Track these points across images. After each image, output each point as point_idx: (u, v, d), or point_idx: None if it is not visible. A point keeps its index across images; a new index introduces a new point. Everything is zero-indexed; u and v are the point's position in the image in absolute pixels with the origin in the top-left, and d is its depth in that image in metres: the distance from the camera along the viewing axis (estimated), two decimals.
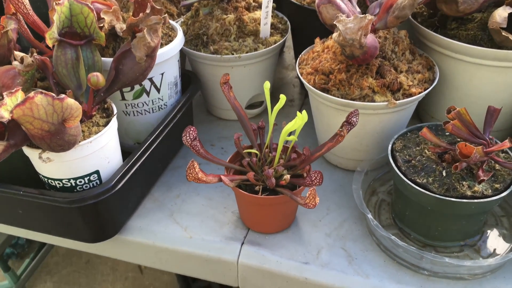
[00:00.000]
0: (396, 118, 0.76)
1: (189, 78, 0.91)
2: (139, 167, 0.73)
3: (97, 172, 0.68)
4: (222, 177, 0.65)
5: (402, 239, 0.72)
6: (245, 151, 0.69)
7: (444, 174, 0.64)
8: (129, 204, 0.76)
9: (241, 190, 0.68)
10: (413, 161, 0.67)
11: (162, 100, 0.83)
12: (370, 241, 0.73)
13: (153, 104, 0.82)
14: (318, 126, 0.85)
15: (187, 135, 0.67)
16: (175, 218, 0.78)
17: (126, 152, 0.78)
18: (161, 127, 0.79)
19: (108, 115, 0.71)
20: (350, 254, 0.71)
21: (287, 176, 0.66)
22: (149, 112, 0.83)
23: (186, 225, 0.76)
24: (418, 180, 0.64)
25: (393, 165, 0.67)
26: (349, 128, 0.70)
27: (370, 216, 0.68)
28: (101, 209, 0.68)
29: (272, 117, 0.71)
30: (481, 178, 0.61)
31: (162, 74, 0.80)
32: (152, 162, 0.80)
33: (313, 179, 0.64)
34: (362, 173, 0.76)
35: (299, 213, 0.77)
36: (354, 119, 0.69)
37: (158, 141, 0.78)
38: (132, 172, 0.72)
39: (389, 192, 0.80)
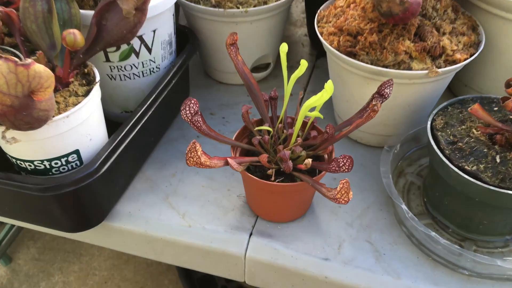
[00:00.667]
0: (433, 88, 0.64)
1: (186, 35, 0.78)
2: (129, 143, 0.61)
3: (76, 152, 0.56)
4: (229, 160, 0.54)
5: (437, 231, 0.62)
6: (256, 128, 0.57)
7: (497, 160, 0.53)
8: (117, 187, 0.64)
9: (251, 175, 0.56)
10: (459, 143, 0.56)
11: (154, 62, 0.70)
12: (399, 233, 0.63)
13: (143, 66, 0.69)
14: (337, 96, 0.73)
15: (187, 108, 0.54)
16: (170, 202, 0.67)
17: (112, 122, 0.66)
18: (154, 95, 0.67)
19: (89, 82, 0.58)
20: (377, 248, 0.61)
21: (308, 161, 0.54)
22: (139, 76, 0.70)
23: (183, 210, 0.65)
24: (466, 167, 0.53)
25: (435, 147, 0.56)
26: (382, 101, 0.58)
27: (404, 207, 0.57)
28: (82, 197, 0.57)
29: (289, 87, 0.59)
30: None
31: (154, 31, 0.67)
32: (144, 136, 0.68)
33: (340, 164, 0.53)
34: (391, 153, 0.65)
35: (315, 197, 0.66)
36: (388, 90, 0.58)
37: (151, 111, 0.66)
38: (120, 150, 0.60)
39: (418, 174, 0.69)
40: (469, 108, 0.56)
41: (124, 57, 0.67)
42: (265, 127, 0.58)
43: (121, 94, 0.71)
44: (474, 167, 0.53)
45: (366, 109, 0.59)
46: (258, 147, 0.59)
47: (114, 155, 0.58)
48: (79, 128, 0.55)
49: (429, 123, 0.59)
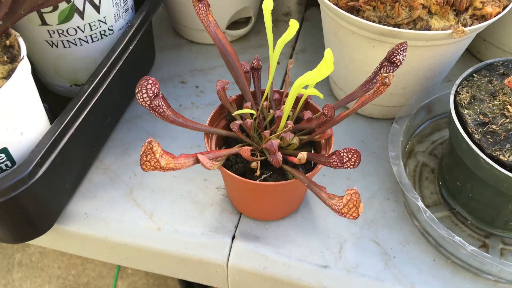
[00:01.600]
0: (454, 51, 0.52)
1: None
2: (78, 128, 0.49)
3: (4, 150, 0.43)
4: (200, 157, 0.41)
5: (455, 225, 0.52)
6: (236, 113, 0.45)
7: None
8: (66, 184, 0.52)
9: (231, 173, 0.44)
10: (491, 125, 0.44)
11: (105, 23, 0.56)
12: (411, 228, 0.52)
13: (91, 29, 0.55)
14: (334, 60, 0.60)
15: (144, 91, 0.41)
16: (135, 197, 0.55)
17: (62, 98, 0.54)
18: (108, 64, 0.53)
19: (12, 58, 0.44)
20: (386, 250, 0.50)
21: (302, 155, 0.42)
22: (87, 42, 0.56)
23: (151, 208, 0.54)
24: (502, 157, 0.42)
25: (461, 130, 0.45)
26: (393, 70, 0.46)
27: (421, 204, 0.46)
28: (18, 205, 0.44)
29: (275, 55, 0.46)
30: None
31: None
32: (99, 116, 0.55)
33: (344, 160, 0.41)
34: (401, 132, 0.53)
35: None
36: (400, 57, 0.45)
37: (105, 85, 0.53)
38: (66, 139, 0.47)
39: (431, 153, 0.58)
40: (505, 80, 0.44)
41: (65, 18, 0.52)
42: (247, 110, 0.45)
43: (66, 65, 0.57)
44: (511, 157, 0.42)
45: (373, 81, 0.46)
46: (239, 134, 0.47)
47: (57, 149, 0.46)
48: (3, 120, 0.42)
49: (452, 97, 0.47)
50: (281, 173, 0.47)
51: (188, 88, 0.67)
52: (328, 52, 0.38)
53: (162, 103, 0.43)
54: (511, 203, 0.46)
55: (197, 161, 0.42)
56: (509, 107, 0.45)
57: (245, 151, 0.44)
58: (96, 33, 0.56)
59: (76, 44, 0.55)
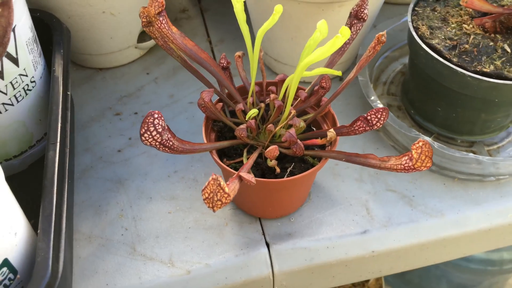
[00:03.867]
0: None
1: (43, 22, 0.53)
2: (68, 205, 0.40)
3: (5, 263, 0.34)
4: (243, 175, 0.38)
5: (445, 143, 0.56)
6: (248, 118, 0.41)
7: (509, 50, 0.47)
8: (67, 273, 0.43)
9: (265, 180, 0.41)
10: (461, 46, 0.48)
11: (26, 75, 0.46)
12: None
13: (14, 88, 0.45)
14: (273, 36, 0.58)
15: (152, 128, 0.36)
16: (142, 252, 0.48)
17: None
18: (59, 117, 0.44)
19: None
20: (403, 193, 0.52)
21: (332, 133, 0.41)
22: (12, 104, 0.46)
23: (167, 255, 0.48)
24: (485, 69, 0.46)
25: (440, 58, 0.47)
26: (361, 26, 0.47)
27: (414, 131, 0.49)
28: None
29: (256, 46, 0.43)
30: None
31: (14, 29, 0.43)
32: (67, 181, 0.46)
33: (373, 122, 0.41)
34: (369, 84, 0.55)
35: None
36: (366, 11, 0.47)
37: (69, 143, 0.45)
38: (65, 221, 0.39)
39: (388, 94, 0.61)
40: (463, 2, 0.47)
41: None
42: (253, 112, 0.42)
43: None
44: (492, 67, 0.46)
45: (349, 43, 0.47)
46: (246, 139, 0.43)
47: (62, 237, 0.37)
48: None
49: (414, 34, 0.50)
50: (301, 161, 0.45)
51: (127, 118, 0.60)
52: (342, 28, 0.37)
53: (170, 135, 0.38)
54: (484, 111, 0.51)
55: (240, 179, 0.38)
56: (464, 25, 0.49)
57: (273, 152, 0.40)
58: (19, 91, 0.46)
59: (0, 112, 0.45)
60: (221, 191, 0.32)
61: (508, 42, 0.48)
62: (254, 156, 0.42)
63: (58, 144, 0.42)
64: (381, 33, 0.40)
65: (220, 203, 0.32)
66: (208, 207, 0.32)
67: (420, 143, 0.36)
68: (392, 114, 0.55)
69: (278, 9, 0.40)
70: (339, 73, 0.40)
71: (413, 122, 0.58)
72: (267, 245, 0.48)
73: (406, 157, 0.37)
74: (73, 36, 0.60)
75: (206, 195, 0.32)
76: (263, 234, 0.49)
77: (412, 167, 0.37)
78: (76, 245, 0.48)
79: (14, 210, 0.35)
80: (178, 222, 0.50)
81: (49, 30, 0.53)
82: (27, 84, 0.47)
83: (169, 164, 0.55)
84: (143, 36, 0.65)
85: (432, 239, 0.50)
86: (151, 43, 0.65)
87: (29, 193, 0.46)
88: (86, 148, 0.57)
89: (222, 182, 0.32)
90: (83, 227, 0.50)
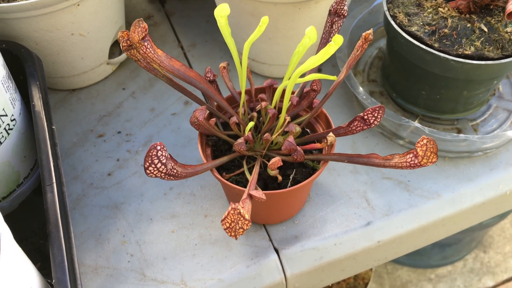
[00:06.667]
0: None
1: (11, 53, 0.50)
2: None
3: None
4: (253, 193, 0.37)
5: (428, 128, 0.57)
6: (246, 133, 0.40)
7: (485, 29, 0.48)
8: None
9: (279, 191, 0.41)
10: (440, 30, 0.48)
11: (6, 114, 0.44)
12: (401, 149, 0.56)
13: None
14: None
15: (156, 161, 0.35)
16: (153, 277, 0.47)
17: None
18: (50, 151, 0.43)
19: None
20: (398, 179, 0.53)
21: (332, 137, 0.41)
22: None
23: (178, 277, 0.47)
24: (466, 52, 0.47)
25: (421, 45, 0.48)
26: (342, 22, 0.47)
27: (404, 119, 0.50)
28: None
29: (244, 57, 0.42)
30: None
31: None
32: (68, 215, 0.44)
33: (371, 120, 0.41)
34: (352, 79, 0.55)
35: None
36: (345, 7, 0.46)
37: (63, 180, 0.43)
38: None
39: (369, 80, 0.62)
40: None
41: None
42: (251, 125, 0.41)
43: None
44: (473, 48, 0.47)
45: (328, 41, 0.47)
46: (245, 152, 0.43)
47: (77, 280, 0.36)
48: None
49: (393, 23, 0.50)
50: (301, 166, 0.45)
51: (111, 138, 0.58)
52: (335, 37, 0.37)
53: (173, 163, 0.37)
54: (466, 89, 0.52)
55: (250, 197, 0.37)
56: (440, 9, 0.50)
57: (276, 163, 0.40)
58: (1, 133, 0.44)
59: None
60: (242, 219, 0.32)
61: (484, 22, 0.49)
62: (256, 169, 0.42)
63: (54, 184, 0.40)
64: (367, 31, 0.41)
65: (242, 230, 0.32)
66: (230, 235, 0.32)
67: (425, 141, 0.36)
68: (375, 100, 0.55)
69: (265, 20, 0.39)
70: (334, 77, 0.40)
71: (396, 106, 0.59)
72: (276, 251, 0.49)
73: (411, 155, 0.38)
74: (43, 62, 0.58)
75: (227, 224, 0.32)
76: (270, 240, 0.49)
77: (418, 164, 0.37)
78: (83, 278, 0.47)
79: (28, 267, 0.34)
80: (183, 240, 0.50)
81: (18, 61, 0.50)
82: (8, 124, 0.44)
83: (163, 182, 0.54)
84: (112, 51, 0.63)
85: (432, 220, 0.51)
86: (122, 57, 0.63)
87: (22, 231, 0.45)
88: (75, 176, 0.55)
89: (242, 210, 0.32)
90: (87, 259, 0.49)
